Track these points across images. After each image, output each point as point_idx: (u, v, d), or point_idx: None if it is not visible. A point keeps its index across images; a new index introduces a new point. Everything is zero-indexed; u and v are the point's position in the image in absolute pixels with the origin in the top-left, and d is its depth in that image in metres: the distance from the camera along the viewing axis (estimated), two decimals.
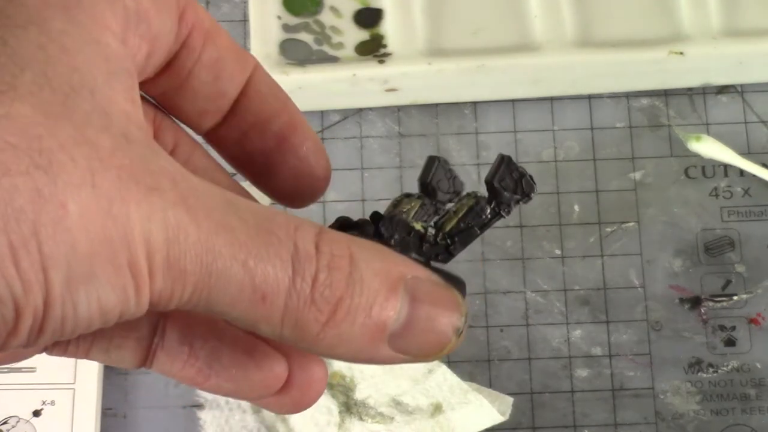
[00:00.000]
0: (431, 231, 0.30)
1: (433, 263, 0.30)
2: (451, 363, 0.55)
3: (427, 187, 0.29)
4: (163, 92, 0.31)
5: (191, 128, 0.33)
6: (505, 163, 0.29)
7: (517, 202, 0.29)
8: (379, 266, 0.27)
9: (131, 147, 0.25)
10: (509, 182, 0.29)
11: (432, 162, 0.29)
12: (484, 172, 0.60)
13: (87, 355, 0.31)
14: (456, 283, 0.29)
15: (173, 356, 0.31)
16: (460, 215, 0.30)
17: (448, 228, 0.30)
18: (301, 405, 0.32)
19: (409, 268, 0.27)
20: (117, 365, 0.32)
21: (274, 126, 0.32)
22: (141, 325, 0.31)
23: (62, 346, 0.30)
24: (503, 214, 0.29)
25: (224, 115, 0.32)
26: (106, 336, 0.31)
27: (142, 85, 0.30)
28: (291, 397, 0.32)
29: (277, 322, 0.26)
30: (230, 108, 0.32)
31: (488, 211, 0.29)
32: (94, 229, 0.23)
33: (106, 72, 0.26)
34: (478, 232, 0.30)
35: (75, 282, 0.23)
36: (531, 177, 0.29)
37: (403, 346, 0.27)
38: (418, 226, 0.29)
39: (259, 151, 0.32)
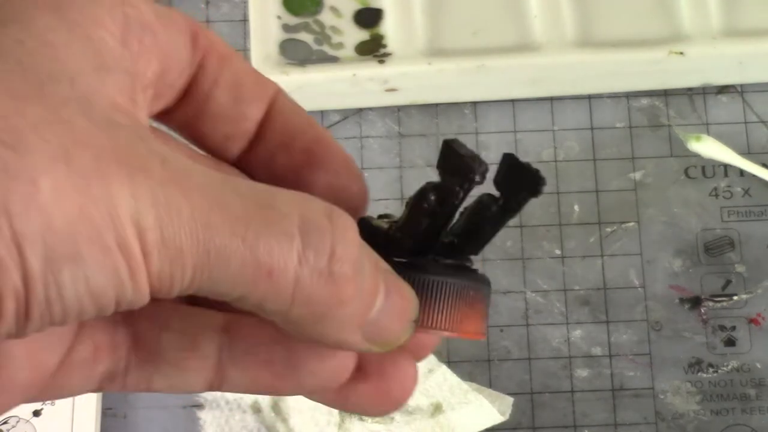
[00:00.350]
0: (393, 229, 0.29)
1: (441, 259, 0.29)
2: (451, 363, 0.55)
3: (444, 172, 0.29)
4: (185, 120, 0.31)
5: (220, 157, 0.32)
6: (510, 160, 0.29)
7: (525, 197, 0.29)
8: (368, 249, 0.27)
9: (115, 130, 0.24)
10: (516, 179, 0.29)
11: (444, 146, 0.29)
12: None
13: (150, 386, 0.30)
14: (483, 282, 0.29)
15: (247, 367, 0.30)
16: (467, 214, 0.29)
17: (450, 226, 0.29)
18: (396, 396, 0.31)
19: (379, 259, 0.28)
20: (185, 391, 0.31)
21: (301, 143, 0.31)
22: (202, 344, 0.30)
23: (119, 379, 0.30)
24: (512, 209, 0.29)
25: (250, 139, 0.31)
26: (168, 360, 0.30)
27: (164, 116, 0.30)
28: (383, 390, 0.30)
29: (286, 299, 0.25)
30: (256, 132, 0.31)
31: (494, 207, 0.29)
32: (70, 208, 0.23)
33: (95, 65, 0.25)
34: (487, 228, 0.29)
35: (56, 262, 0.23)
36: (539, 172, 0.29)
37: (371, 334, 0.27)
38: (381, 224, 0.29)
39: (290, 170, 0.31)
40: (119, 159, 0.23)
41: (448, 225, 0.29)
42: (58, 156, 0.23)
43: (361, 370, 0.30)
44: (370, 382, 0.30)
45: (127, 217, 0.23)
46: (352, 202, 0.31)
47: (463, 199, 0.28)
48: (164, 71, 0.28)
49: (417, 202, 0.29)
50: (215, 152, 0.32)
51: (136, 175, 0.23)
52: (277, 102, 0.31)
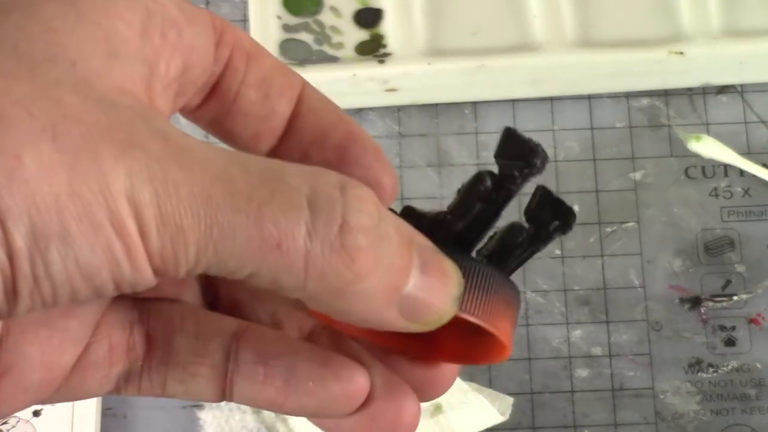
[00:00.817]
0: (442, 213, 0.28)
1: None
2: None
3: (504, 158, 0.28)
4: (213, 118, 0.30)
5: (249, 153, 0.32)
6: (543, 192, 0.28)
7: (556, 230, 0.28)
8: (398, 223, 0.26)
9: (113, 109, 0.24)
10: (548, 211, 0.28)
11: (505, 133, 0.28)
12: None
13: (164, 390, 0.29)
14: (511, 288, 0.28)
15: (250, 378, 0.29)
16: (497, 237, 0.29)
17: (480, 247, 0.29)
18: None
19: (417, 235, 0.27)
20: (198, 399, 0.30)
21: (332, 139, 0.30)
22: (212, 350, 0.29)
23: (134, 382, 0.29)
24: (541, 239, 0.28)
25: (280, 135, 0.31)
26: (180, 364, 0.29)
27: (192, 113, 0.30)
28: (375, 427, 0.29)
29: (299, 273, 0.24)
30: (285, 128, 0.31)
31: (524, 235, 0.28)
32: (58, 183, 0.22)
33: (104, 51, 0.25)
34: (516, 254, 0.28)
35: (43, 238, 0.22)
36: (572, 209, 0.29)
37: (409, 312, 0.26)
38: (428, 212, 0.29)
39: (322, 166, 0.31)
40: (113, 135, 0.23)
41: (498, 215, 0.29)
42: (44, 131, 0.22)
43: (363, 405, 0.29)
44: (363, 415, 0.29)
45: (120, 193, 0.23)
46: (383, 194, 0.30)
47: (520, 186, 0.28)
48: (188, 67, 0.28)
49: (472, 185, 0.28)
50: (246, 149, 0.31)
51: (131, 151, 0.23)
52: (305, 97, 0.30)
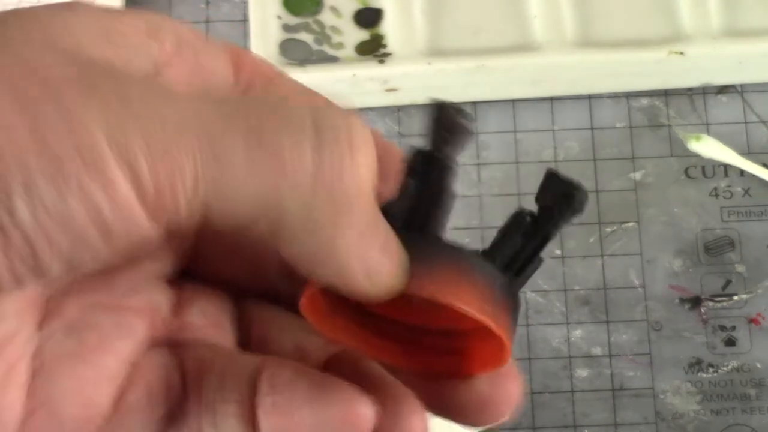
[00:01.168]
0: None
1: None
2: None
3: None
4: None
5: None
6: (548, 175, 0.27)
7: (565, 210, 0.27)
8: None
9: (89, 64, 0.22)
10: (555, 192, 0.27)
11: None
12: (485, 172, 0.60)
13: None
14: (508, 289, 0.27)
15: (266, 411, 0.27)
16: (502, 228, 0.27)
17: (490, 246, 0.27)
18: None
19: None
20: None
21: None
22: (236, 386, 0.27)
23: (177, 425, 0.27)
24: (552, 224, 0.27)
25: None
26: (209, 405, 0.27)
27: None
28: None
29: (306, 192, 0.23)
30: None
31: (528, 219, 0.27)
32: (18, 132, 0.21)
33: (99, 35, 0.24)
34: (524, 242, 0.27)
35: (2, 186, 0.21)
36: (579, 186, 0.27)
37: (368, 266, 0.25)
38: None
39: None
40: (82, 82, 0.22)
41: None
42: (2, 87, 0.21)
43: None
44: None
45: (94, 131, 0.21)
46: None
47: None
48: (204, 83, 0.27)
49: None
50: None
51: (104, 92, 0.22)
52: None
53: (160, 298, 0.23)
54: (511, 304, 0.27)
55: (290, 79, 0.29)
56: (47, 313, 0.26)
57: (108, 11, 0.25)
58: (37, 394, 0.25)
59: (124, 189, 0.22)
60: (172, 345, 0.28)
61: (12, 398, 0.25)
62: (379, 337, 0.29)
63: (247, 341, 0.30)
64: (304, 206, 0.23)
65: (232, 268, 0.29)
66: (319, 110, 0.23)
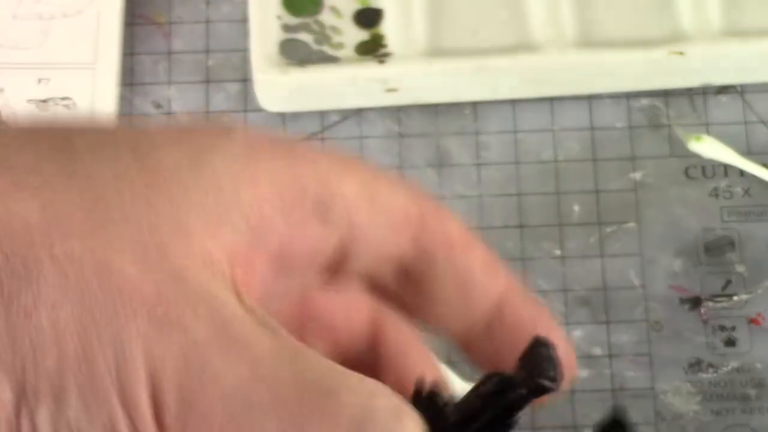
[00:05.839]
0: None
1: None
2: (452, 363, 0.55)
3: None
4: (406, 304, 0.28)
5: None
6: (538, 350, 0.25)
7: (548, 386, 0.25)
8: None
9: (172, 283, 0.22)
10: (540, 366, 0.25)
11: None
12: (485, 172, 0.60)
13: None
14: None
15: None
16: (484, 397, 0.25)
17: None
18: None
19: None
20: None
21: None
22: None
23: None
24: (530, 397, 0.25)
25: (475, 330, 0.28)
26: None
27: (377, 288, 0.28)
28: None
29: None
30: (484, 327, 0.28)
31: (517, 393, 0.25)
32: (66, 346, 0.21)
33: (208, 217, 0.23)
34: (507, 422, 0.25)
35: (33, 394, 0.21)
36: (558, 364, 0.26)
37: None
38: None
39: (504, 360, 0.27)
40: (155, 309, 0.21)
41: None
42: (71, 291, 0.21)
43: None
44: None
45: (138, 367, 0.21)
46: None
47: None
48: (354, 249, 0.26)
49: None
50: (436, 326, 0.29)
51: (169, 328, 0.21)
52: (508, 300, 0.28)
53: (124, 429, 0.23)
54: None
55: (480, 248, 0.28)
56: None
57: (240, 177, 0.24)
58: None
59: (150, 427, 0.21)
60: None
61: None
62: None
63: None
64: None
65: None
66: (370, 405, 0.22)
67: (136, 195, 0.22)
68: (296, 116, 0.60)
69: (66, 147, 0.23)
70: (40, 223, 0.21)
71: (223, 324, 0.22)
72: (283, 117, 0.60)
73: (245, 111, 0.61)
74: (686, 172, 0.60)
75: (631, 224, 0.59)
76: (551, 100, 0.61)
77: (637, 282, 0.58)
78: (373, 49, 0.60)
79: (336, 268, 0.27)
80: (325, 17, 0.61)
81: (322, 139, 0.60)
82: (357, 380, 0.23)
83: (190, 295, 0.22)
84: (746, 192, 0.59)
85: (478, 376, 0.26)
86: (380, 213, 0.26)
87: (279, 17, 0.60)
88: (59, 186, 0.22)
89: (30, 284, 0.21)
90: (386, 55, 0.59)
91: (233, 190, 0.24)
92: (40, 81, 0.58)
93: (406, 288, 0.28)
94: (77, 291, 0.21)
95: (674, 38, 0.59)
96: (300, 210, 0.25)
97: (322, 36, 0.60)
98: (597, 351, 0.57)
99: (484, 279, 0.28)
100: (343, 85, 0.58)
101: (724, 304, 0.57)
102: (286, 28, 0.60)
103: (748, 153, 0.59)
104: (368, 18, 0.61)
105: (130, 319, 0.21)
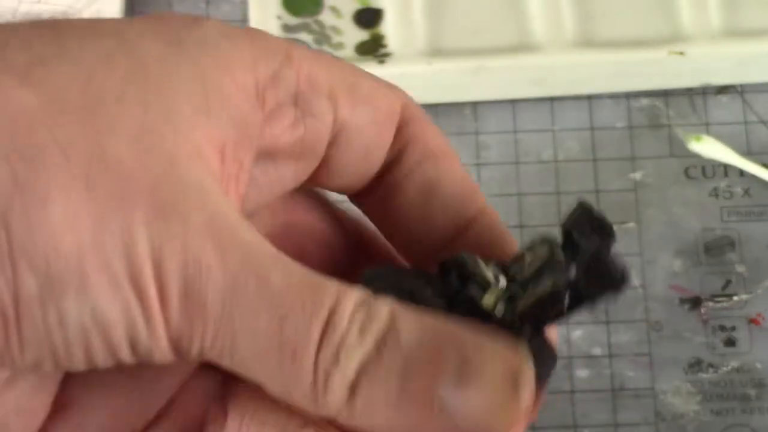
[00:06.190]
0: (500, 308, 0.25)
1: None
2: None
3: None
4: (374, 208, 0.28)
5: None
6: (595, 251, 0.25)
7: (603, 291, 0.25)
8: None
9: (167, 169, 0.22)
10: (598, 272, 0.25)
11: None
12: (485, 172, 0.60)
13: None
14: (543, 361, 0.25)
15: None
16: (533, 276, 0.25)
17: (520, 307, 0.25)
18: None
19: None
20: None
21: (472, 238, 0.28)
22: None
23: None
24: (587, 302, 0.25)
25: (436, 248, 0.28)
26: None
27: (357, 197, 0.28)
28: None
29: (307, 386, 0.22)
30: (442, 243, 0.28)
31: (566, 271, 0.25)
32: (81, 232, 0.21)
33: (194, 105, 0.23)
34: (553, 316, 0.25)
35: (59, 286, 0.21)
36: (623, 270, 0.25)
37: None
38: (489, 300, 0.25)
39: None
40: (155, 196, 0.22)
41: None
42: (77, 177, 0.21)
43: None
44: None
45: (145, 256, 0.21)
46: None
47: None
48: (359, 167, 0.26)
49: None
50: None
51: (168, 217, 0.22)
52: (479, 219, 0.28)
53: (139, 317, 0.23)
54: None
55: (456, 162, 0.28)
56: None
57: (217, 62, 0.24)
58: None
59: (157, 314, 0.22)
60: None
61: None
62: None
63: None
64: (308, 403, 0.23)
65: None
66: (341, 297, 0.23)
67: (124, 77, 0.23)
68: None
69: (54, 33, 0.23)
70: (39, 107, 0.22)
71: (214, 217, 0.22)
72: None
73: None
74: (686, 172, 0.60)
75: (631, 224, 0.59)
76: (551, 100, 0.61)
77: (637, 282, 0.58)
78: (373, 49, 0.60)
79: (315, 174, 0.27)
80: (325, 17, 0.61)
81: None
82: (333, 281, 0.23)
83: (185, 187, 0.22)
84: (746, 192, 0.59)
85: None
86: (362, 105, 0.26)
87: (279, 17, 0.60)
88: (51, 63, 0.22)
89: (41, 169, 0.21)
90: (386, 55, 0.59)
91: (215, 80, 0.24)
92: None
93: (372, 197, 0.28)
94: (82, 178, 0.21)
95: (674, 38, 0.59)
96: (274, 97, 0.25)
97: (322, 36, 0.60)
98: (597, 351, 0.57)
99: (453, 197, 0.28)
100: None
101: (724, 304, 0.57)
102: (286, 28, 0.60)
103: (748, 153, 0.59)
104: (368, 18, 0.61)
105: (133, 208, 0.21)
